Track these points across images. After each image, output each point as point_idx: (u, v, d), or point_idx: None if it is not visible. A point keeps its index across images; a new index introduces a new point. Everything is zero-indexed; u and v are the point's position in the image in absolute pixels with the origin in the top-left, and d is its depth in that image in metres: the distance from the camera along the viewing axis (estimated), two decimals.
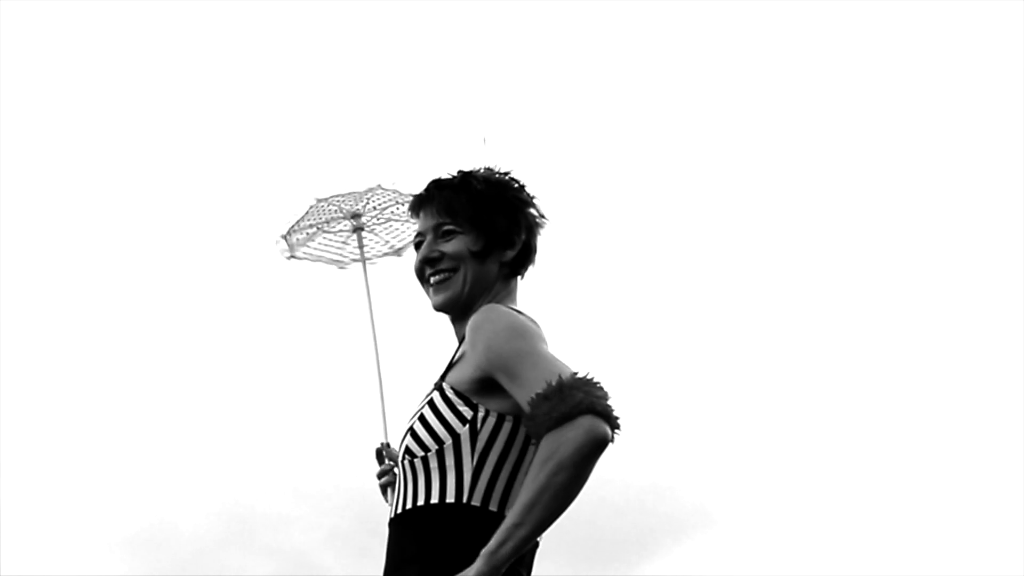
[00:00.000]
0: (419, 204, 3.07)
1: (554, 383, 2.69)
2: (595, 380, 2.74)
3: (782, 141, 8.90)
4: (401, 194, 3.90)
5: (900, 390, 8.96)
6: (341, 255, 3.98)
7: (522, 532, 2.65)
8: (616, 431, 2.72)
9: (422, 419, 2.88)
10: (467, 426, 2.84)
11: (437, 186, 3.06)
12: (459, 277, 3.00)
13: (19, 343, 9.12)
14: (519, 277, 3.06)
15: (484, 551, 2.65)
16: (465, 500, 2.81)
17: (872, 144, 8.58)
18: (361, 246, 3.87)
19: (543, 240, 3.08)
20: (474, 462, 2.83)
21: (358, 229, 3.91)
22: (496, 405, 2.84)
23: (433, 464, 2.84)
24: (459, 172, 3.07)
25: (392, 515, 2.88)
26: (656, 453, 9.28)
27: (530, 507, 2.65)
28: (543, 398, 2.70)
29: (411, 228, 3.75)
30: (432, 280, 3.02)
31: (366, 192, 3.95)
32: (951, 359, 8.97)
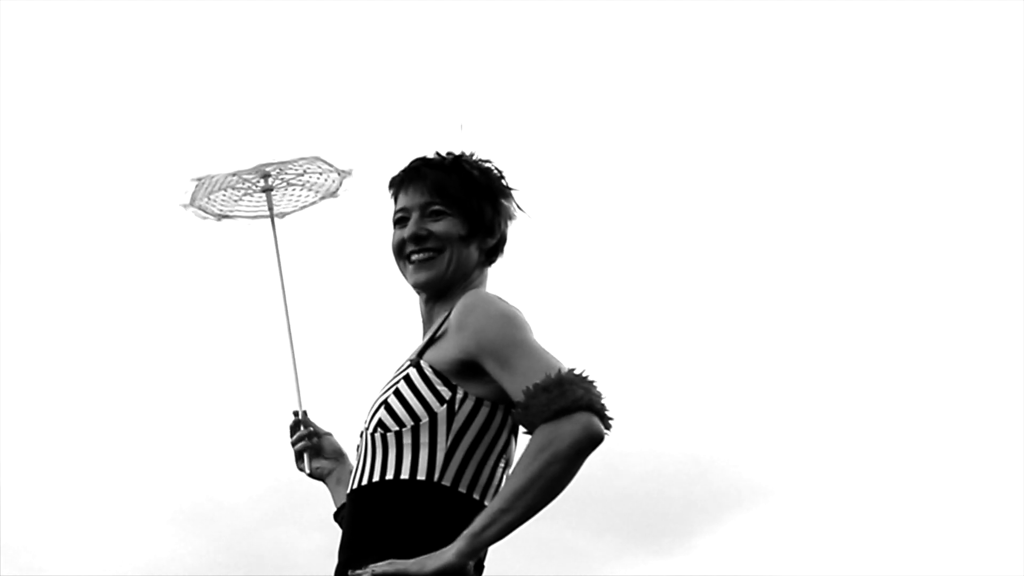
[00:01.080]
0: (405, 180, 3.05)
1: (553, 375, 2.73)
2: (590, 377, 2.76)
3: (766, 127, 8.81)
4: (324, 163, 3.81)
5: (970, 364, 8.84)
6: (243, 210, 3.88)
7: (508, 518, 2.68)
8: (608, 430, 2.75)
9: (398, 394, 2.88)
10: (444, 406, 2.85)
11: (427, 164, 3.05)
12: (444, 258, 3.01)
13: (70, 319, 9.14)
14: (490, 265, 3.09)
15: (467, 532, 2.67)
16: (436, 479, 2.82)
17: (860, 130, 8.50)
18: (271, 206, 3.78)
19: (545, 229, 3.23)
20: (448, 442, 2.84)
21: (267, 189, 3.80)
22: (476, 389, 2.85)
23: (407, 440, 2.85)
24: (449, 154, 3.07)
25: (356, 485, 2.89)
26: (712, 425, 9.21)
27: (520, 494, 2.68)
28: (541, 389, 2.72)
29: (319, 195, 3.81)
30: (415, 258, 3.01)
31: (292, 161, 3.88)
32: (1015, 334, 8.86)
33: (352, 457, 3.11)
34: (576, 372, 2.75)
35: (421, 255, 3.01)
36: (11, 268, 8.75)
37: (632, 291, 9.20)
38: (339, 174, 3.77)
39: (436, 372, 2.87)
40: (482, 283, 3.05)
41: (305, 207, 3.81)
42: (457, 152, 3.08)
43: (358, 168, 3.78)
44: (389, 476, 2.84)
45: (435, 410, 2.85)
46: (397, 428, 2.85)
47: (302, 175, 3.80)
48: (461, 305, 2.88)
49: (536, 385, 2.72)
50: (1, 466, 8.81)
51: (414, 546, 2.75)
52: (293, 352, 3.60)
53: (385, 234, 3.11)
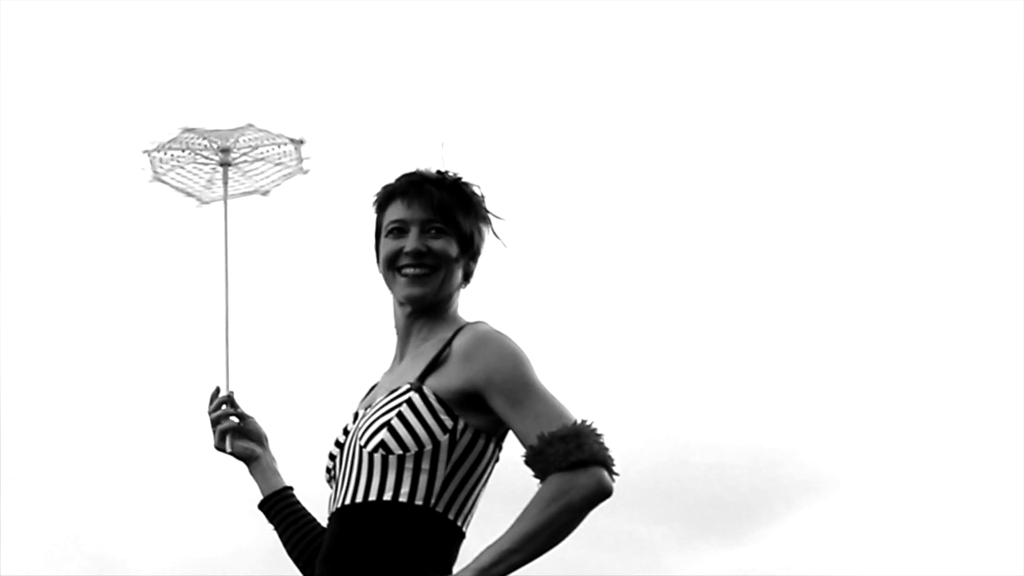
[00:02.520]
0: (406, 193, 3.08)
1: (569, 426, 2.84)
2: (599, 430, 2.87)
3: (755, 125, 8.75)
4: (272, 135, 3.79)
5: None
6: (203, 189, 3.83)
7: (515, 558, 2.77)
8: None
9: (402, 417, 2.92)
10: (447, 436, 2.91)
11: (430, 182, 3.09)
12: (437, 276, 3.05)
13: (156, 309, 9.23)
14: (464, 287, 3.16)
15: (476, 566, 2.75)
16: (431, 505, 2.89)
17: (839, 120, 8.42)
18: (226, 182, 3.74)
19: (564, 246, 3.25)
20: (446, 471, 2.91)
21: (225, 164, 3.76)
22: (474, 420, 2.92)
23: (408, 464, 2.90)
24: (448, 174, 3.12)
25: (350, 501, 2.93)
26: (778, 415, 9.16)
27: (531, 538, 2.77)
28: (559, 438, 2.82)
29: (281, 171, 3.80)
30: (409, 272, 3.04)
31: (236, 130, 3.82)
32: None
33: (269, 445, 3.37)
34: (589, 424, 2.85)
35: (416, 270, 3.04)
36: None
37: (697, 280, 9.17)
38: (294, 144, 3.78)
39: (439, 400, 2.92)
40: (458, 305, 3.11)
41: (278, 184, 3.79)
42: (446, 170, 3.12)
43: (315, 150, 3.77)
44: (387, 497, 2.89)
45: (439, 439, 2.90)
46: (401, 452, 2.90)
47: (256, 148, 3.79)
48: (471, 337, 2.95)
49: (553, 433, 2.82)
50: (83, 454, 8.91)
51: (406, 568, 2.84)
52: (227, 333, 3.60)
53: (336, 225, 3.14)
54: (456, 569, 2.86)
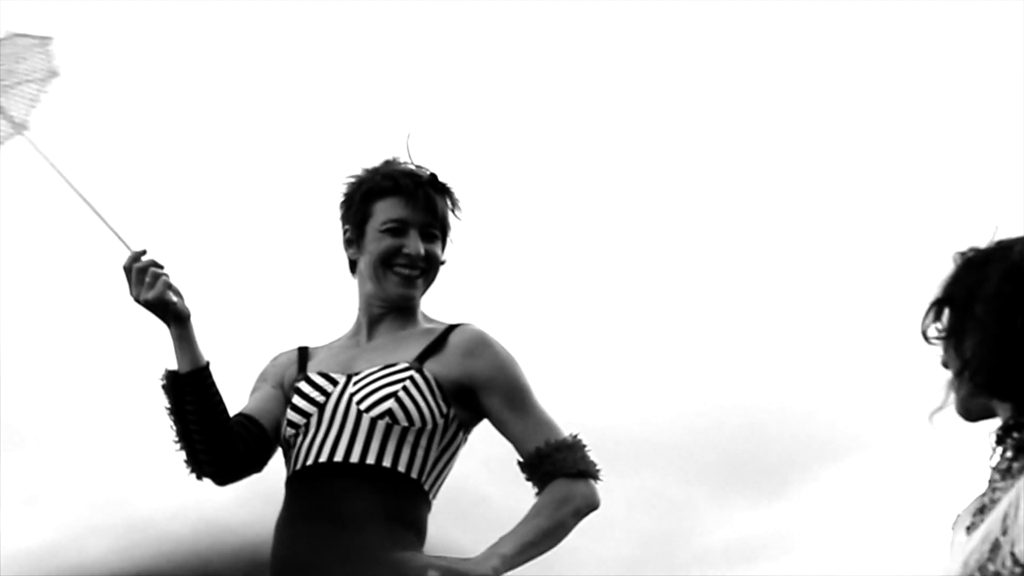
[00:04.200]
0: (408, 194, 3.12)
1: (570, 438, 3.01)
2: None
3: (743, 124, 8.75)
4: (31, 36, 3.40)
5: None
6: None
7: (532, 552, 2.94)
8: None
9: (407, 392, 3.01)
10: (443, 420, 3.01)
11: (431, 185, 3.14)
12: (428, 279, 3.15)
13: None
14: None
15: (501, 552, 2.89)
16: (421, 480, 3.00)
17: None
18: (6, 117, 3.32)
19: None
20: (436, 452, 3.02)
21: None
22: (460, 413, 3.05)
23: (409, 438, 2.99)
24: (439, 175, 3.17)
25: (348, 456, 2.98)
26: (811, 375, 9.19)
27: (547, 534, 2.95)
28: (566, 447, 2.99)
29: (45, 91, 3.34)
30: (405, 272, 3.11)
31: None
32: None
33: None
34: (581, 439, 3.03)
35: (412, 272, 3.11)
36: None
37: (730, 241, 9.19)
38: (41, 41, 3.38)
39: (439, 386, 3.02)
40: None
41: (39, 101, 3.35)
42: (427, 168, 3.17)
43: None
44: (386, 463, 2.97)
45: (437, 421, 3.00)
46: (406, 425, 2.99)
47: (16, 66, 3.36)
48: (473, 335, 3.07)
49: (559, 441, 2.99)
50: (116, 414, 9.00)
51: (403, 532, 2.94)
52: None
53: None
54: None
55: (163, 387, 3.09)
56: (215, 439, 3.08)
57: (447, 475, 3.08)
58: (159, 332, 3.10)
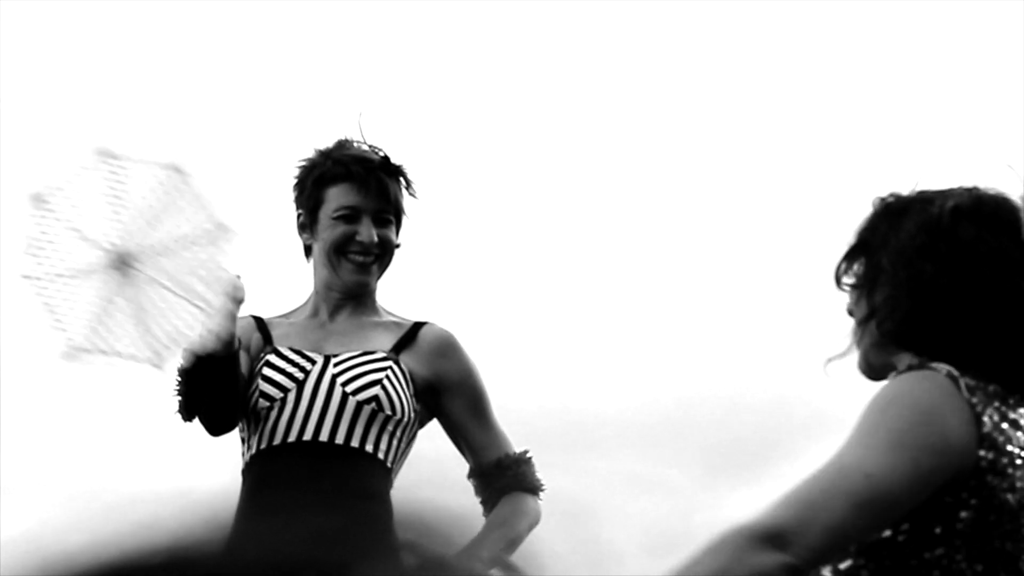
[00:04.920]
0: (359, 180, 3.09)
1: (524, 453, 3.08)
2: None
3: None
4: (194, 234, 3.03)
5: None
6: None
7: (504, 557, 2.94)
8: None
9: (390, 381, 3.02)
10: (414, 414, 3.05)
11: (382, 169, 3.12)
12: (382, 265, 3.14)
13: None
14: None
15: (484, 556, 2.93)
16: (391, 469, 3.04)
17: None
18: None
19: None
20: (404, 445, 3.06)
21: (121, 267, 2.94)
22: (421, 411, 3.10)
23: (389, 427, 3.02)
24: (392, 158, 3.15)
25: (327, 438, 2.98)
26: (791, 356, 9.21)
27: (515, 543, 3.01)
28: (524, 462, 3.08)
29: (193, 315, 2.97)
30: (359, 259, 3.11)
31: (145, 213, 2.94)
32: None
33: None
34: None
35: (366, 259, 3.11)
36: None
37: (712, 222, 9.21)
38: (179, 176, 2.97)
39: (412, 380, 3.06)
40: None
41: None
42: (381, 150, 3.14)
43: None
44: (368, 448, 3.00)
45: (410, 415, 3.05)
46: (389, 414, 3.02)
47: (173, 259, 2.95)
48: (444, 336, 3.09)
49: (518, 456, 3.07)
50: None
51: (385, 516, 2.96)
52: None
53: None
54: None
55: (195, 359, 2.93)
56: (230, 407, 3.04)
57: (399, 471, 3.09)
58: None
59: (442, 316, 3.26)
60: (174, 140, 3.18)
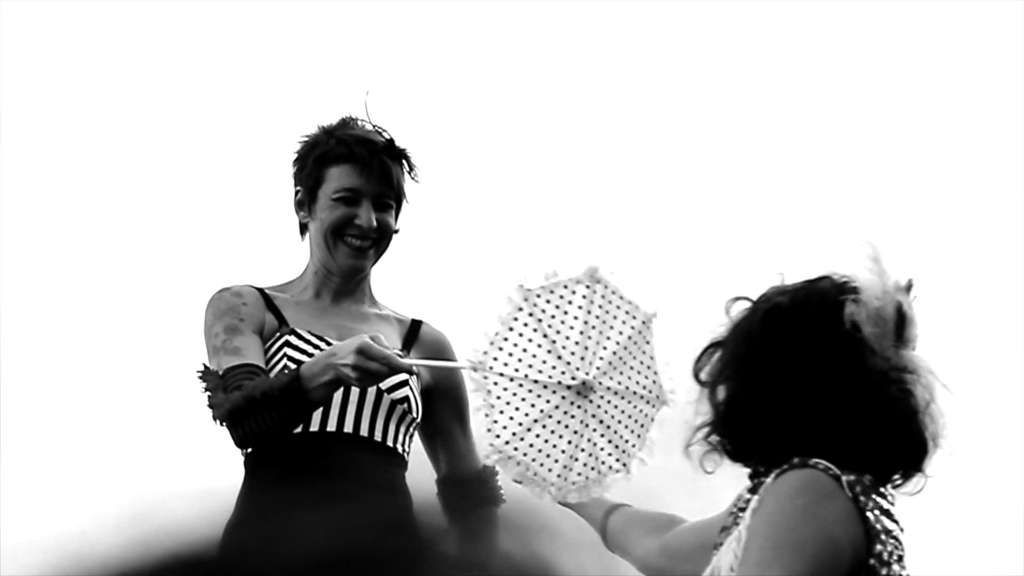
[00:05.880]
0: (362, 163, 3.03)
1: (496, 467, 3.03)
2: None
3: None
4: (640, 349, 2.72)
5: None
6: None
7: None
8: None
9: (412, 384, 3.01)
10: (420, 415, 3.04)
11: (386, 152, 3.07)
12: (380, 249, 3.08)
13: None
14: None
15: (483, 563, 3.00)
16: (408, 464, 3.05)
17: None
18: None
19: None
20: (412, 446, 3.04)
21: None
22: None
23: (410, 428, 3.03)
24: (396, 141, 3.09)
25: (380, 439, 3.00)
26: None
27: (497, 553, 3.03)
28: (495, 475, 3.03)
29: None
30: (356, 243, 3.04)
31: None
32: None
33: None
34: None
35: (364, 243, 3.03)
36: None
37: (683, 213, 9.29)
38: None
39: (419, 380, 3.04)
40: None
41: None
42: (386, 132, 3.08)
43: None
44: (399, 448, 3.00)
45: (419, 415, 3.03)
46: (414, 415, 3.01)
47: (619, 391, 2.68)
48: (442, 338, 3.13)
49: (491, 468, 2.99)
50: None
51: (410, 512, 2.99)
52: None
53: None
54: None
55: (285, 388, 2.82)
56: (277, 436, 2.90)
57: None
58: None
59: (433, 311, 3.26)
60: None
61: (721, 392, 2.18)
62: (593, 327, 2.60)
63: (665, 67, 5.96)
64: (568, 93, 5.75)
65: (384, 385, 2.94)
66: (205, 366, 2.95)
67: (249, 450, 2.98)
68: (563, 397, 2.56)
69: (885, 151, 6.21)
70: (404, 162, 3.09)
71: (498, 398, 2.55)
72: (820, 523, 2.03)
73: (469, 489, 3.03)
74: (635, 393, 2.59)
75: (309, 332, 3.01)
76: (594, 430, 2.57)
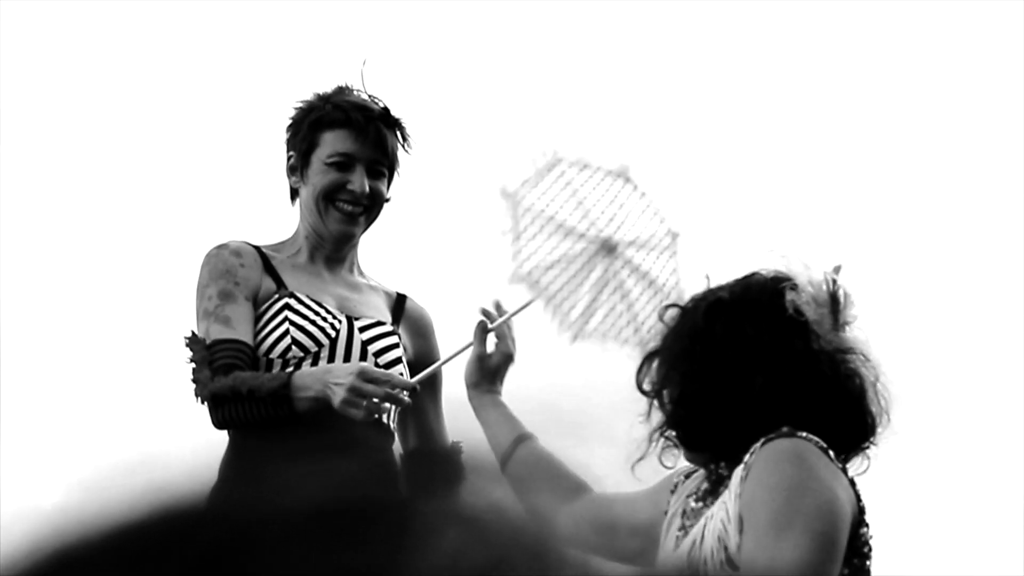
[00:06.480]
0: (356, 128, 3.01)
1: (460, 444, 3.09)
2: None
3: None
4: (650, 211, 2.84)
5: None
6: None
7: None
8: None
9: (403, 359, 3.02)
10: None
11: (381, 119, 3.04)
12: (371, 216, 3.05)
13: None
14: None
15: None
16: None
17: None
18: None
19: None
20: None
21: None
22: None
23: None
24: (391, 109, 3.07)
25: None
26: None
27: None
28: (461, 451, 3.03)
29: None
30: (348, 209, 3.01)
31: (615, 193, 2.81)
32: None
33: None
34: None
35: (355, 208, 3.00)
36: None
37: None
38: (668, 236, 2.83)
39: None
40: None
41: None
42: (381, 100, 3.06)
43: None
44: (391, 424, 3.00)
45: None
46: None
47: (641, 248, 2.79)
48: (425, 313, 3.13)
49: (460, 447, 3.04)
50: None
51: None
52: None
53: None
54: None
55: (273, 393, 2.83)
56: (255, 428, 2.88)
57: None
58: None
59: (417, 285, 3.28)
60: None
61: (668, 394, 2.22)
62: (622, 205, 2.66)
63: (665, 67, 5.96)
64: (564, 87, 5.76)
65: (381, 360, 2.96)
66: (193, 333, 2.95)
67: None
68: (586, 247, 2.63)
69: (885, 151, 6.21)
70: (399, 131, 3.08)
71: (524, 229, 2.59)
72: (826, 484, 2.08)
73: (436, 462, 2.94)
74: (652, 282, 2.64)
75: (308, 297, 3.00)
76: (614, 290, 2.61)
